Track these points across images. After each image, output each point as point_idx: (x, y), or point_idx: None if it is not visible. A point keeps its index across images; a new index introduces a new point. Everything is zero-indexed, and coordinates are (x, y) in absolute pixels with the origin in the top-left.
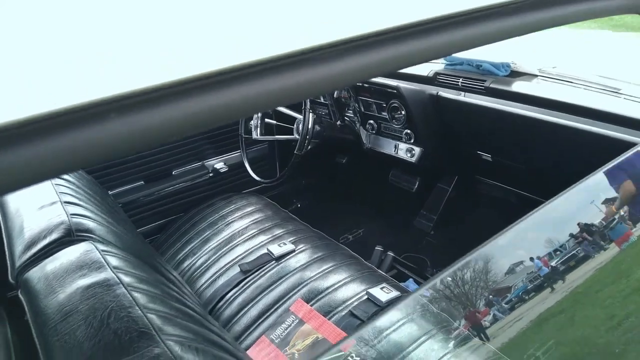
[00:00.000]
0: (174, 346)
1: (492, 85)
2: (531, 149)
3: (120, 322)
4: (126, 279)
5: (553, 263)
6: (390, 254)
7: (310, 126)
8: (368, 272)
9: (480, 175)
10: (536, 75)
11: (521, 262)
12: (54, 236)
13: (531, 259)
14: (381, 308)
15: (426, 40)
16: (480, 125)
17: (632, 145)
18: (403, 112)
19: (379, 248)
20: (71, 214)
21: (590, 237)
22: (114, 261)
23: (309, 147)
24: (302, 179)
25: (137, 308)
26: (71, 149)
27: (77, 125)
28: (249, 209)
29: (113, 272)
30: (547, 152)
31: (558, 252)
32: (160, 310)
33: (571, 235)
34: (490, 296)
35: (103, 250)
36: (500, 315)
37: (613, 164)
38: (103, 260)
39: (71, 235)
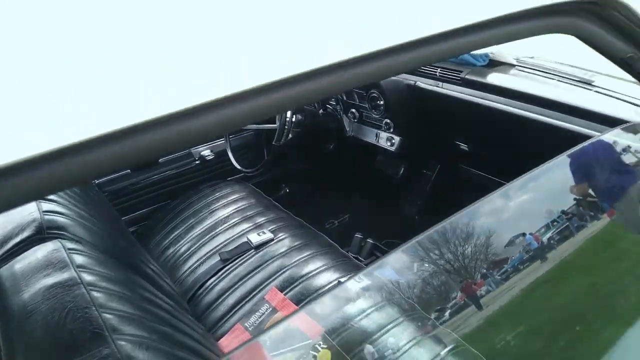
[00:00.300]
0: (124, 346)
1: (467, 77)
2: (505, 141)
3: (77, 322)
4: (89, 278)
5: (544, 238)
6: (370, 240)
7: (288, 116)
8: (342, 261)
9: (462, 163)
10: (513, 65)
11: (517, 236)
12: (25, 234)
13: (523, 234)
14: (340, 283)
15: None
16: (456, 116)
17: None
18: (382, 102)
19: (358, 235)
20: (44, 211)
21: (582, 210)
22: (79, 260)
23: (290, 136)
24: (291, 165)
25: (93, 308)
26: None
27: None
28: (233, 197)
29: (76, 271)
30: (517, 143)
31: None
32: (119, 310)
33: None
34: (486, 269)
35: (70, 249)
36: (493, 287)
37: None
38: (67, 260)
39: (42, 233)
